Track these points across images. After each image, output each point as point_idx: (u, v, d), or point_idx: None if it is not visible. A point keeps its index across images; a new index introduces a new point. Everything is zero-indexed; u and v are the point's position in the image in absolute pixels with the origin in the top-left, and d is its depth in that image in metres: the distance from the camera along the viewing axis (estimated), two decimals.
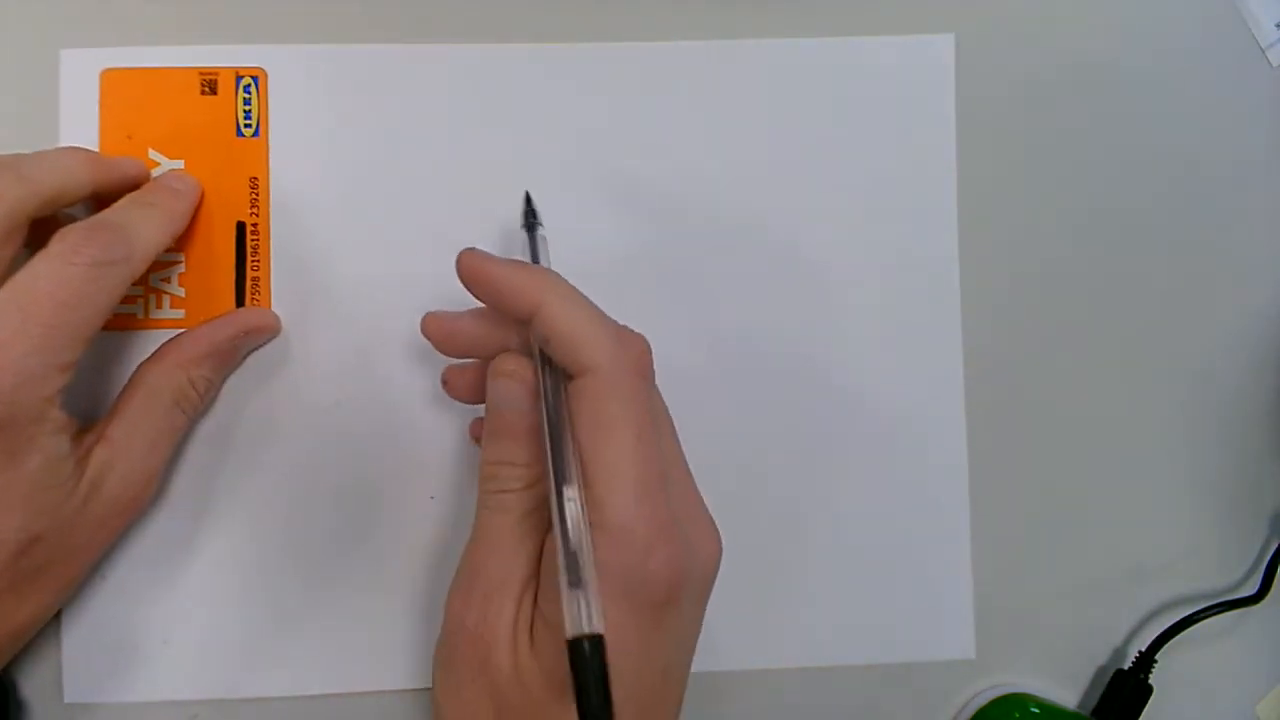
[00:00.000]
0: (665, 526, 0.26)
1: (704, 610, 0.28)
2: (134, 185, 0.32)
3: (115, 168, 0.32)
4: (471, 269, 0.28)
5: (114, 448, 0.30)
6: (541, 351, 0.28)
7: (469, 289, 0.29)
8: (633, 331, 0.29)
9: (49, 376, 0.27)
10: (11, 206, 0.28)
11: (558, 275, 0.28)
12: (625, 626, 0.25)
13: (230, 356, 0.33)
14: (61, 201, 0.30)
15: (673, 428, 0.29)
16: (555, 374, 0.28)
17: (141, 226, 0.30)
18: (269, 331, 0.34)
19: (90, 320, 0.28)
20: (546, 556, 0.27)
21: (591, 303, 0.28)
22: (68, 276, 0.27)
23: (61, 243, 0.28)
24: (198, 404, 0.32)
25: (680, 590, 0.26)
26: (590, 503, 0.25)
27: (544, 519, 0.28)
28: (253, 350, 0.34)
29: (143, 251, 0.29)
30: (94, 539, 0.31)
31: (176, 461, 0.33)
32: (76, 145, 0.33)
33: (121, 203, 0.31)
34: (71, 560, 0.30)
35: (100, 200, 0.31)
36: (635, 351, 0.28)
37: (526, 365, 0.28)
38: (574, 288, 0.28)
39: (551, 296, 0.27)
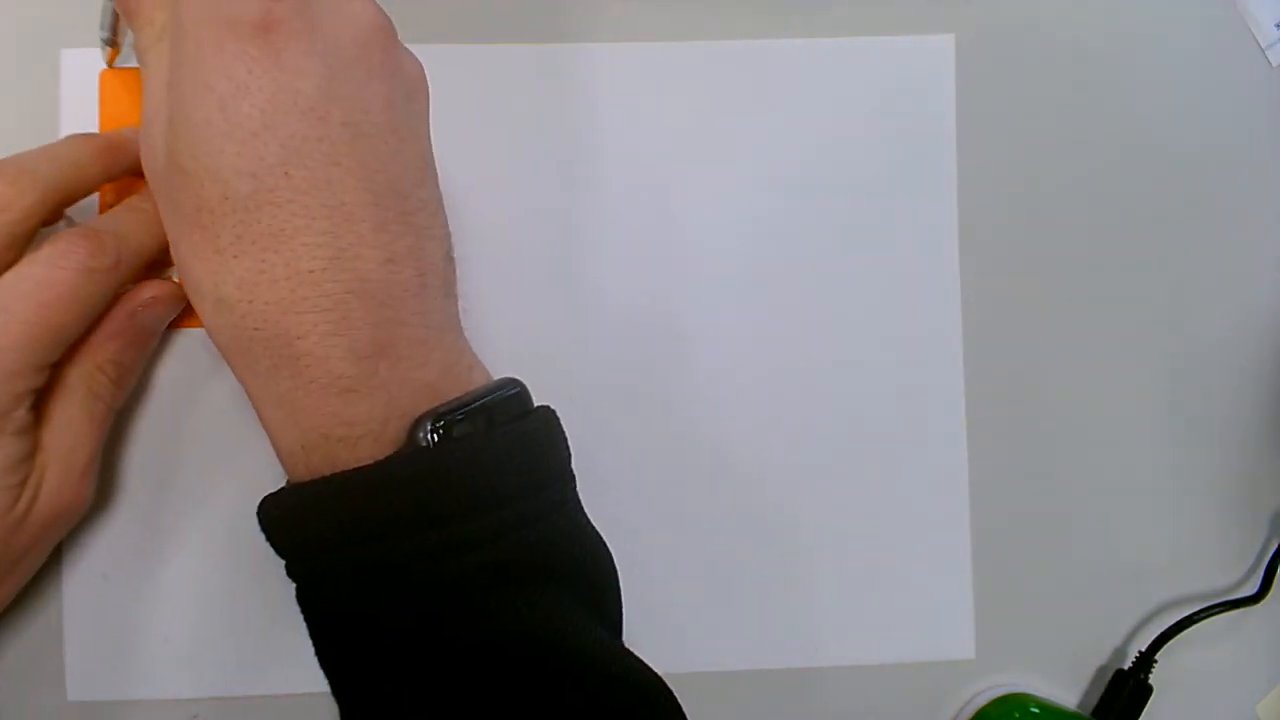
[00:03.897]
0: None
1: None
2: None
3: (123, 149, 0.31)
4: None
5: (44, 451, 0.29)
6: None
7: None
8: None
9: (24, 374, 0.27)
10: (25, 212, 0.28)
11: None
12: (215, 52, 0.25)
13: (135, 335, 0.31)
14: (74, 199, 0.30)
15: None
16: None
17: (133, 234, 0.30)
18: (166, 301, 0.31)
19: (73, 324, 0.28)
20: None
21: None
22: (54, 279, 0.27)
23: (51, 247, 0.28)
24: (112, 389, 0.31)
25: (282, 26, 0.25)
26: None
27: None
28: (167, 322, 0.32)
29: (132, 258, 0.29)
30: (35, 548, 0.30)
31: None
32: (81, 133, 0.31)
33: (115, 209, 0.31)
34: (11, 570, 0.30)
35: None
36: None
37: None
38: None
39: None
